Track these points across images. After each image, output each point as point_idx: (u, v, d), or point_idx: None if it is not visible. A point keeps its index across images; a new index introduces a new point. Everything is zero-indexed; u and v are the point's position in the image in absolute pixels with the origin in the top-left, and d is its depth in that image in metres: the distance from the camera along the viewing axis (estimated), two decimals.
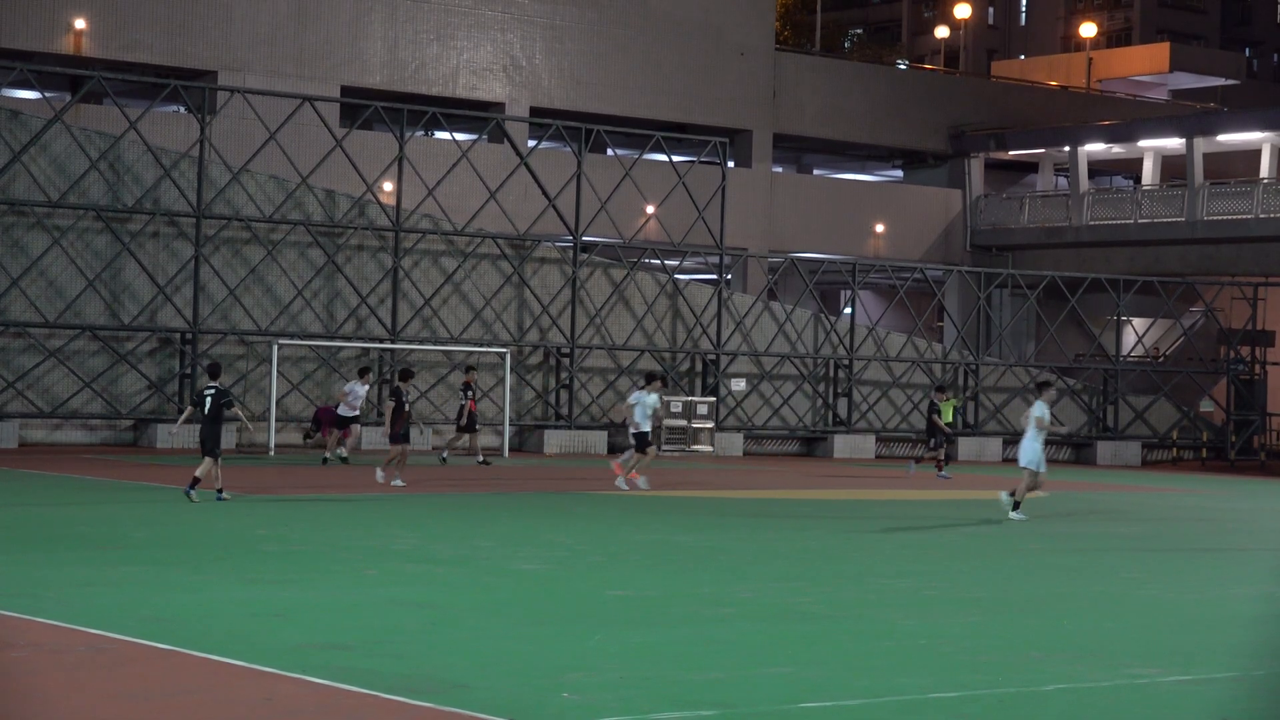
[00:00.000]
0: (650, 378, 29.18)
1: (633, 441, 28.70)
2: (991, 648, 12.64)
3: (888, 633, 13.20)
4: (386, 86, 50.33)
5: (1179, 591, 17.09)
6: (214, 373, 23.80)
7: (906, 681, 11.05)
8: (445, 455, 35.67)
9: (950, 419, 41.29)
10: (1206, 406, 55.47)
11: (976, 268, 54.25)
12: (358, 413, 34.10)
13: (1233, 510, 30.47)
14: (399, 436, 27.81)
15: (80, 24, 45.94)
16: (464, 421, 35.33)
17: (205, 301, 38.34)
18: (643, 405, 28.16)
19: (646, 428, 28.23)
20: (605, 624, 13.17)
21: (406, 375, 28.70)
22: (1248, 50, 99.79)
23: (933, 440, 36.62)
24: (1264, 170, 57.29)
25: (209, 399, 23.10)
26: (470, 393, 35.62)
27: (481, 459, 35.45)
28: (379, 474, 27.88)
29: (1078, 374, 53.01)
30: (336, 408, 34.21)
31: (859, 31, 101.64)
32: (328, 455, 33.90)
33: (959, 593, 16.10)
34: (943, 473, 36.00)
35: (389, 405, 27.94)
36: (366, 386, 34.27)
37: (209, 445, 23.02)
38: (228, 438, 37.88)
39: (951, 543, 21.36)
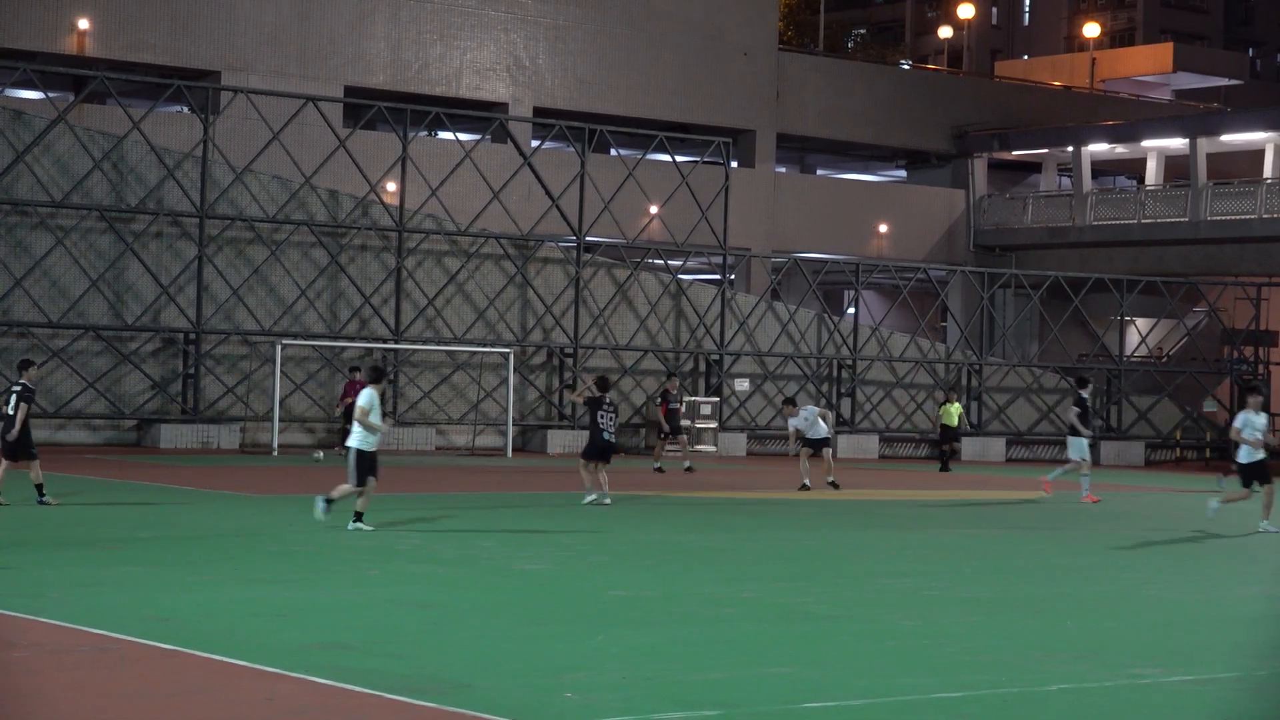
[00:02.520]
0: (1252, 390, 24.27)
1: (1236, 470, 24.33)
2: (994, 648, 12.64)
3: (890, 633, 13.20)
4: (390, 87, 50.34)
5: (1181, 591, 17.09)
6: (24, 368, 22.60)
7: (908, 681, 11.05)
8: (660, 464, 34.78)
9: (955, 423, 40.85)
10: (1210, 407, 55.46)
11: (980, 268, 54.25)
12: (827, 434, 30.72)
13: (1235, 510, 30.43)
14: (677, 429, 34.29)
15: (83, 24, 45.96)
16: (672, 426, 34.68)
17: (209, 302, 38.36)
18: (1251, 427, 23.41)
19: (1261, 454, 23.48)
20: (607, 624, 13.17)
21: (671, 377, 34.76)
22: (1251, 50, 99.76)
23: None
24: (1267, 170, 57.26)
25: (14, 396, 21.89)
26: (662, 400, 35.10)
27: (688, 465, 34.83)
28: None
29: (1081, 374, 52.97)
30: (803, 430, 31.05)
31: (862, 31, 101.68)
32: (807, 486, 30.47)
33: (961, 593, 16.10)
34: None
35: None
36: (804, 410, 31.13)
37: (23, 448, 21.69)
38: (233, 437, 37.94)
39: (953, 543, 21.35)
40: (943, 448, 41.20)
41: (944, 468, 40.67)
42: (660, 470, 34.27)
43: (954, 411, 40.58)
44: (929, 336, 52.84)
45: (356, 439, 19.83)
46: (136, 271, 37.98)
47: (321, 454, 35.31)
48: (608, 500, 24.64)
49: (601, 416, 24.52)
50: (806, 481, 30.08)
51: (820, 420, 30.29)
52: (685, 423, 37.56)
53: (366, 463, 19.69)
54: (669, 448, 35.80)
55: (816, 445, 30.29)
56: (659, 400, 35.72)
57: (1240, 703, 10.95)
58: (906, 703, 10.38)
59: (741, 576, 16.66)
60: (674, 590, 15.45)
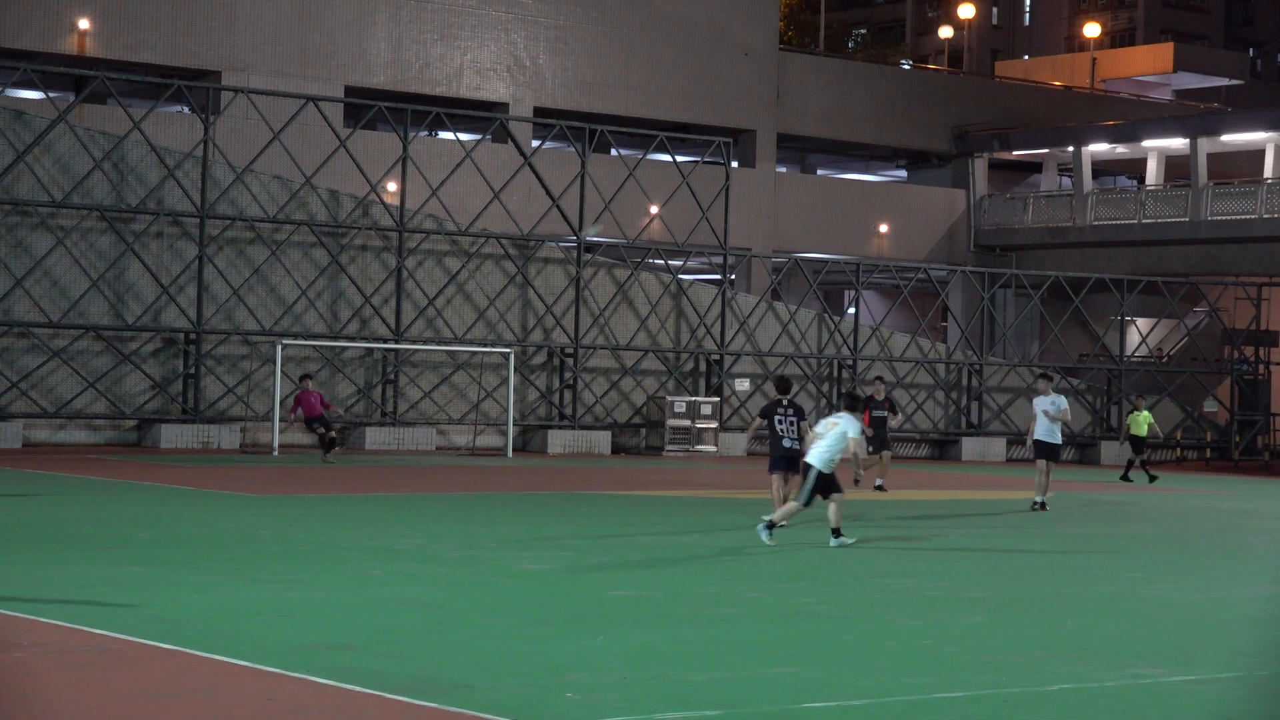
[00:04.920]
0: None
1: None
2: (995, 647, 12.63)
3: (892, 633, 13.19)
4: (390, 86, 50.35)
5: (1183, 591, 17.08)
6: None
7: (911, 681, 11.04)
8: (859, 477, 28.93)
9: (1144, 432, 37.86)
10: (1210, 407, 55.47)
11: (980, 268, 54.26)
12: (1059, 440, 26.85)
13: (1236, 510, 30.47)
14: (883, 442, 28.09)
15: (84, 24, 45.96)
16: (877, 437, 29.84)
17: (209, 302, 38.35)
18: None
19: None
20: (609, 624, 13.17)
21: (877, 380, 29.48)
22: (1251, 50, 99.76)
23: None
24: (1268, 170, 57.28)
25: None
26: (865, 406, 29.46)
27: (878, 484, 29.96)
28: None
29: (1082, 374, 52.99)
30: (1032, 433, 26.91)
31: (863, 31, 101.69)
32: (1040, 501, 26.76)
33: (963, 593, 16.09)
34: None
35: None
36: (1054, 396, 26.71)
37: None
38: (233, 437, 37.93)
39: (954, 543, 21.34)
40: (1131, 459, 38.47)
41: (1152, 478, 37.44)
42: (880, 488, 29.82)
43: (1143, 420, 37.78)
44: (929, 336, 52.84)
45: (820, 459, 19.00)
46: (137, 271, 37.97)
47: (276, 452, 34.46)
48: (781, 520, 21.02)
49: (779, 422, 21.58)
50: (1038, 499, 26.37)
51: (1061, 420, 26.27)
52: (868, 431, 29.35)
53: (825, 483, 19.06)
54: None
55: (1046, 452, 26.40)
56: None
57: (1241, 703, 10.94)
58: (908, 703, 10.37)
59: (743, 576, 16.65)
60: (676, 590, 15.44)
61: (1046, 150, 63.09)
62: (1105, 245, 59.29)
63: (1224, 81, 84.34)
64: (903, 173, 66.41)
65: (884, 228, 60.49)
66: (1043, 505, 26.31)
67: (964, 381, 49.83)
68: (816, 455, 19.19)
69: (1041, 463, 26.40)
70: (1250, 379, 54.56)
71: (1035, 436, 26.54)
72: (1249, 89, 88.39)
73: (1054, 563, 19.22)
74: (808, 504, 19.19)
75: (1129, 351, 56.51)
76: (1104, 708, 10.51)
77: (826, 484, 19.16)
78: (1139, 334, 57.31)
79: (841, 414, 19.49)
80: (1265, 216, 54.78)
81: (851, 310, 48.92)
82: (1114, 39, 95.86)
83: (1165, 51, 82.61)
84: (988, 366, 50.13)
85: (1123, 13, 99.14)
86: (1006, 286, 55.91)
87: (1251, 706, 10.88)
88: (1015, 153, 63.43)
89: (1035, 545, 21.37)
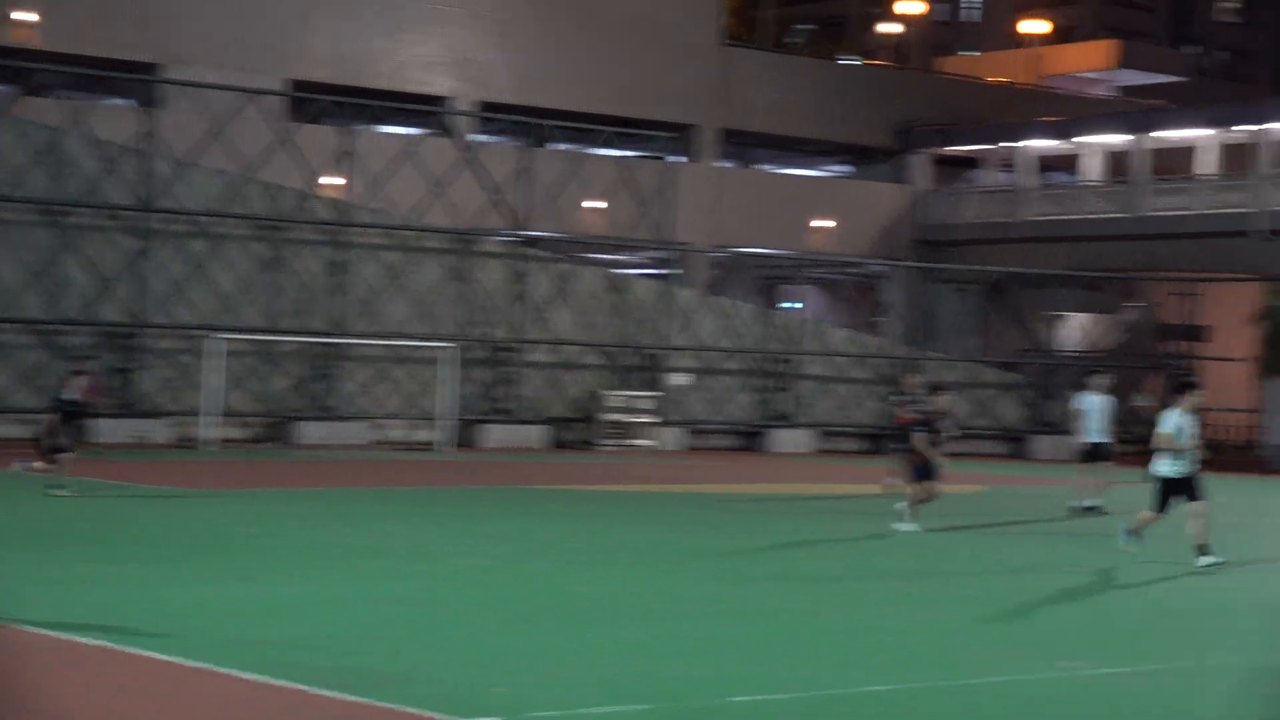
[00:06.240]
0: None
1: None
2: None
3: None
4: (333, 80, 50.15)
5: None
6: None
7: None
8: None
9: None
10: (1142, 401, 55.94)
11: (921, 263, 54.51)
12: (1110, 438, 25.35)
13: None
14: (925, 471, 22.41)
15: (23, 16, 45.62)
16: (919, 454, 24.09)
17: (148, 296, 38.18)
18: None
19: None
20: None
21: (910, 374, 27.74)
22: (1196, 48, 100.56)
23: None
24: (1203, 167, 57.78)
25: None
26: (903, 398, 26.87)
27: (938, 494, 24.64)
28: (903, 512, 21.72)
29: (1019, 369, 53.38)
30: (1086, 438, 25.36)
31: (810, 27, 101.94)
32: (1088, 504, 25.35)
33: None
34: None
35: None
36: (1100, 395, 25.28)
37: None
38: (167, 432, 37.77)
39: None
40: None
41: None
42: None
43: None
44: (870, 331, 53.09)
45: (1165, 466, 18.38)
46: (75, 265, 37.76)
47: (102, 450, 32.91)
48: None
49: None
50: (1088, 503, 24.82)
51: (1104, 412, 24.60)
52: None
53: (1165, 487, 18.38)
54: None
55: (1106, 454, 25.35)
56: (894, 401, 27.87)
57: (1241, 702, 11.08)
58: (829, 697, 10.43)
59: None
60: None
61: (989, 146, 63.41)
62: (1045, 241, 59.61)
63: (1168, 79, 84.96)
64: (846, 168, 66.63)
65: (827, 223, 60.64)
66: (1089, 508, 25.15)
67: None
68: (1164, 465, 18.50)
69: (1105, 465, 25.43)
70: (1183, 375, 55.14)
71: (1093, 439, 25.33)
72: (1192, 86, 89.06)
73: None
74: (1162, 510, 18.60)
75: (1064, 347, 56.94)
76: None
77: (1171, 488, 18.42)
78: (1076, 329, 57.76)
79: (1168, 413, 18.65)
80: (1200, 213, 55.29)
81: (791, 304, 49.08)
82: (1059, 36, 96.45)
83: (1109, 48, 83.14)
84: (929, 362, 50.38)
85: (1067, 10, 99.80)
86: (947, 282, 56.23)
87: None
88: (958, 148, 63.70)
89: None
